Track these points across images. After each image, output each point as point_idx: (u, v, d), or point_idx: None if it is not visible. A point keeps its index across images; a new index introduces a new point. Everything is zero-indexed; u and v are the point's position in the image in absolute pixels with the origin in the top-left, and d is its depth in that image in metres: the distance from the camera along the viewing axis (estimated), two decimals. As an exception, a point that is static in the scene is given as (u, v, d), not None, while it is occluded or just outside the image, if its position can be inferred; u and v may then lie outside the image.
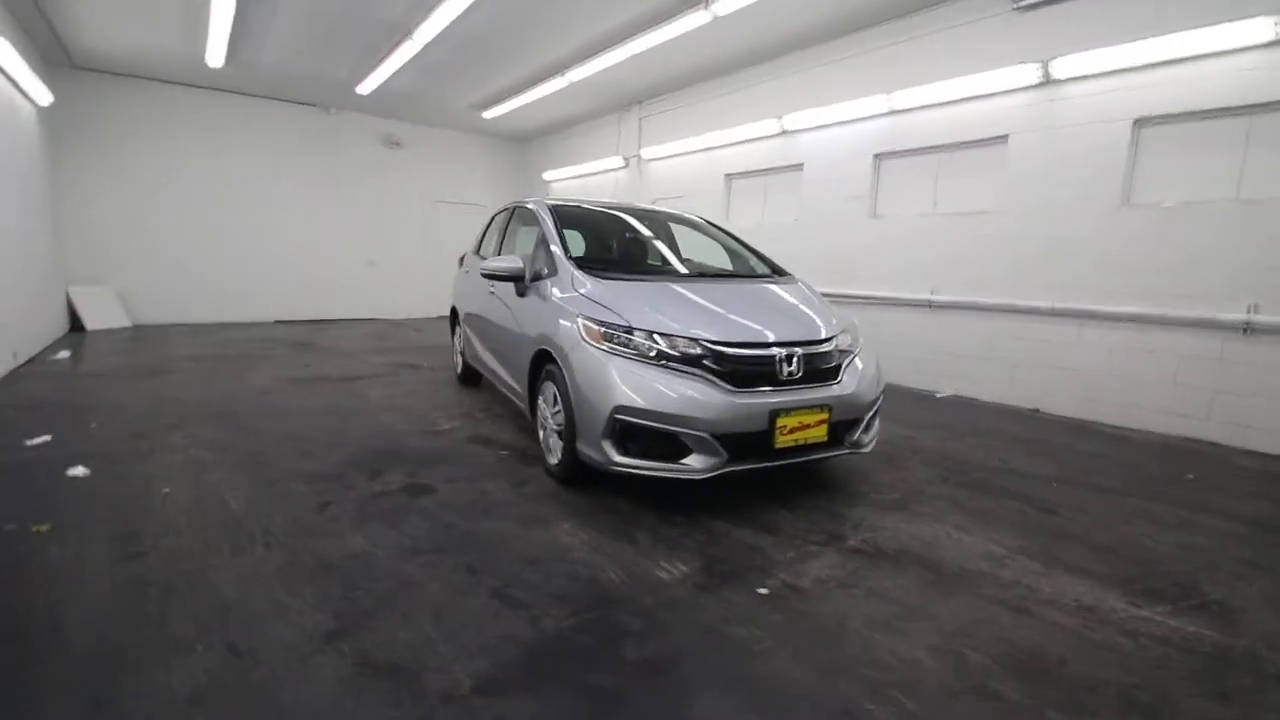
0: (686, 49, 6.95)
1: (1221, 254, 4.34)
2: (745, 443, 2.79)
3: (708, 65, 7.62)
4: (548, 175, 11.73)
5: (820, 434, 2.93)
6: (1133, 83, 4.66)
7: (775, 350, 2.90)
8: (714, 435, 2.72)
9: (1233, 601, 2.32)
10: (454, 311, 5.81)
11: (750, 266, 4.03)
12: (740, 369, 2.82)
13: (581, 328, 2.99)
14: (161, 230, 9.27)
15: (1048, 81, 5.08)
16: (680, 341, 2.83)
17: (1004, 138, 5.44)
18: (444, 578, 2.31)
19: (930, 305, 6.03)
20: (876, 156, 6.44)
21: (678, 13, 6.00)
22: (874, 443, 3.26)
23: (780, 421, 2.80)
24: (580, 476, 3.18)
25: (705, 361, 2.81)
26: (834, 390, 3.00)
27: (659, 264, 3.89)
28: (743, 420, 2.75)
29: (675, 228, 4.53)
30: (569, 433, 3.05)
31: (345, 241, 10.84)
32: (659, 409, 2.72)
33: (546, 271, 3.64)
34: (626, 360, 2.83)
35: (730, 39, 6.70)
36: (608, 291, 3.18)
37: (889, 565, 2.53)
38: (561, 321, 3.16)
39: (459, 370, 5.72)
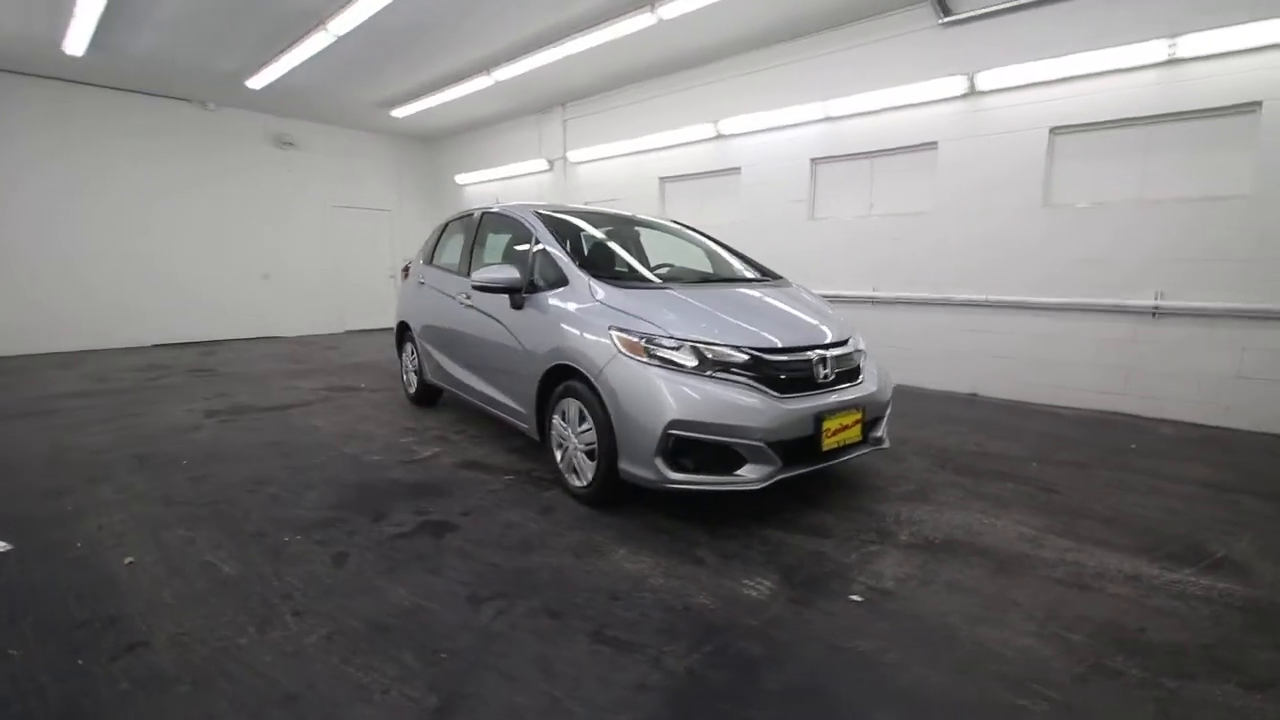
0: (621, 51, 6.87)
1: (1130, 248, 4.94)
2: (794, 448, 2.77)
3: (640, 68, 7.58)
4: (461, 179, 11.18)
5: (856, 434, 2.98)
6: (1048, 95, 5.19)
7: (811, 354, 2.91)
8: (768, 444, 2.68)
9: (1236, 557, 2.62)
10: (403, 326, 5.35)
11: (741, 270, 4.03)
12: (783, 375, 2.80)
13: (617, 341, 2.83)
14: (7, 246, 7.79)
15: (973, 93, 5.54)
16: (724, 350, 2.76)
17: (934, 144, 5.87)
18: (526, 625, 2.08)
19: (873, 302, 6.38)
20: (814, 161, 6.71)
21: (621, 14, 5.91)
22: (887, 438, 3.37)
23: (826, 424, 2.81)
24: (613, 498, 3.01)
25: (750, 370, 2.75)
26: (862, 390, 3.06)
27: (662, 271, 3.78)
28: (793, 426, 2.73)
29: (653, 233, 4.44)
30: (606, 452, 2.88)
31: (233, 253, 9.67)
32: (714, 420, 2.63)
33: (545, 282, 3.43)
34: (672, 373, 2.71)
35: (667, 42, 6.70)
36: (631, 301, 3.03)
37: (949, 557, 2.61)
38: (585, 335, 2.98)
39: (412, 390, 5.27)
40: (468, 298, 4.12)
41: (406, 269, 5.54)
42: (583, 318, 3.06)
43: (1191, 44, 4.47)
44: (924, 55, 5.76)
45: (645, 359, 2.75)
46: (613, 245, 3.89)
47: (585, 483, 3.07)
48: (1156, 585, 2.39)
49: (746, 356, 2.76)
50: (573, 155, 9.08)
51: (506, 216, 4.14)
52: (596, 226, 4.05)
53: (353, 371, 6.99)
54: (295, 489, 3.32)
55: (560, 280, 3.34)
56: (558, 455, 3.27)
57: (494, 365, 3.82)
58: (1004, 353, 5.61)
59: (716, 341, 2.77)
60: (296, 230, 10.32)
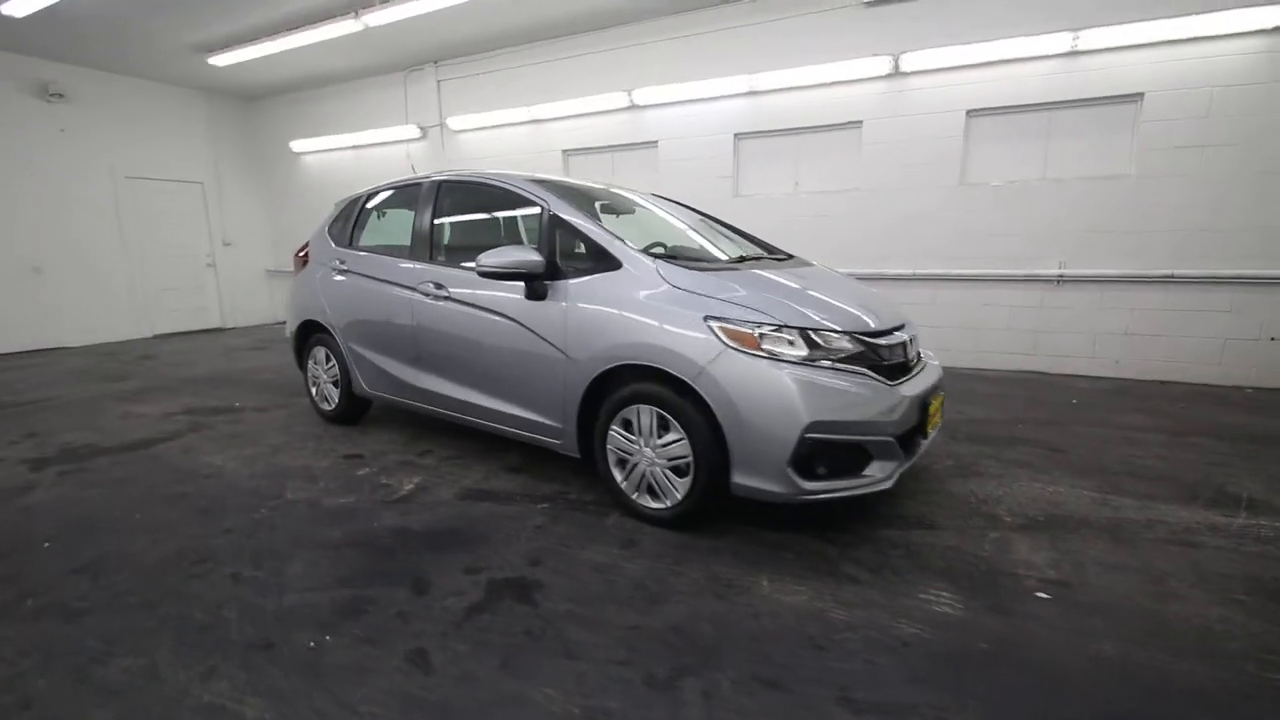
0: (516, 3, 6.11)
1: (1037, 222, 5.49)
2: (905, 438, 2.56)
3: (541, 25, 6.84)
4: (300, 146, 9.40)
5: (940, 416, 2.86)
6: (966, 79, 5.54)
7: (901, 335, 2.71)
8: (894, 436, 2.44)
9: (1257, 496, 2.94)
10: (309, 328, 4.25)
11: (756, 249, 3.71)
12: (889, 361, 2.57)
13: (720, 333, 2.38)
14: None
15: (896, 74, 5.75)
16: (835, 336, 2.44)
17: (859, 123, 6.03)
18: (755, 707, 1.61)
19: (804, 278, 6.47)
20: (737, 136, 6.58)
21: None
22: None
23: (930, 409, 2.64)
24: (700, 518, 2.58)
25: (862, 357, 2.47)
26: (936, 369, 2.94)
27: (698, 248, 3.27)
28: (910, 414, 2.51)
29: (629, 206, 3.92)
30: (708, 467, 2.42)
31: (-22, 238, 7.16)
32: (852, 418, 2.32)
33: (575, 266, 2.84)
34: (796, 367, 2.33)
35: (580, -1, 6.09)
36: (709, 283, 2.57)
37: (1065, 533, 2.58)
38: (669, 328, 2.47)
39: (331, 406, 4.22)
40: (439, 288, 3.31)
41: (303, 254, 4.40)
42: (658, 307, 2.54)
43: (1091, 38, 5.01)
44: (849, 34, 5.85)
45: (760, 353, 2.34)
46: (632, 223, 3.35)
47: (670, 503, 2.58)
48: (1234, 533, 2.57)
49: (855, 344, 2.47)
50: (454, 122, 8.01)
51: (487, 186, 3.38)
52: (604, 200, 3.47)
53: (206, 387, 5.50)
54: (261, 562, 2.40)
55: (604, 263, 2.76)
56: (618, 475, 2.73)
57: (495, 371, 3.11)
58: (931, 322, 5.99)
59: (830, 327, 2.45)
60: (77, 208, 7.92)
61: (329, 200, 9.59)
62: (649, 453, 2.59)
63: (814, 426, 2.26)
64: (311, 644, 1.89)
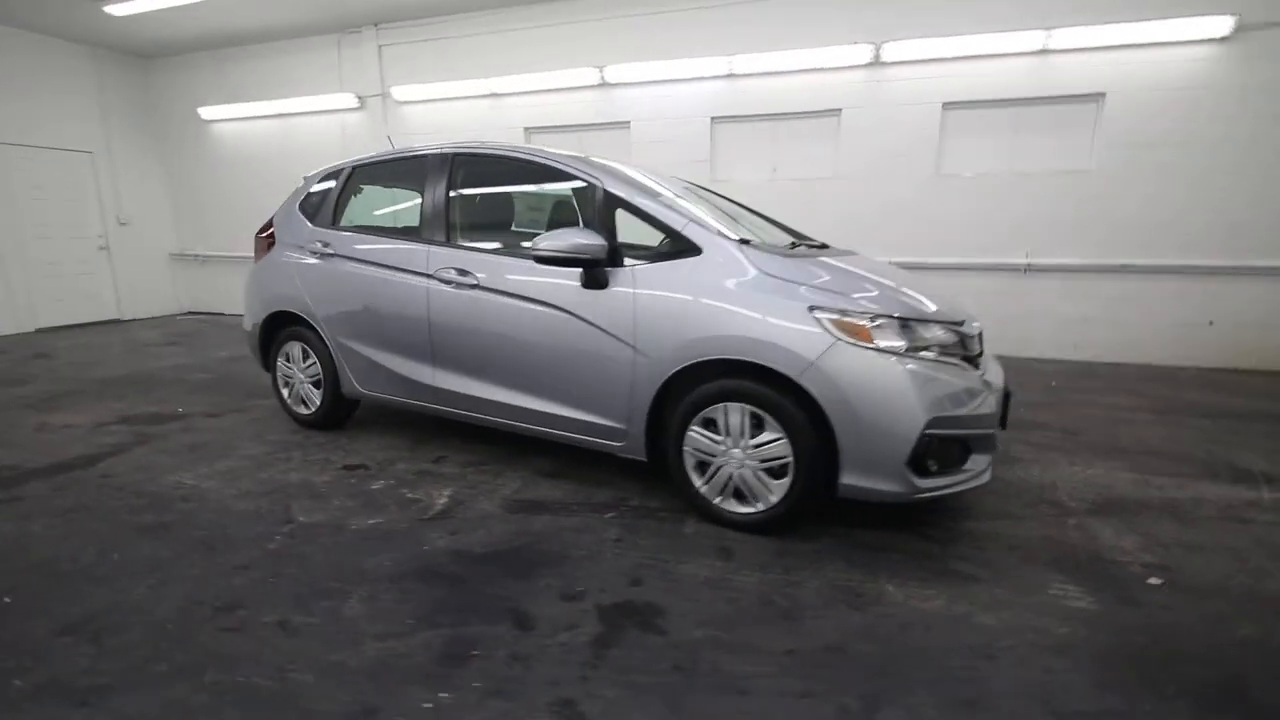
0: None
1: (1006, 213, 5.74)
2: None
3: (503, -8, 6.36)
4: (210, 113, 8.31)
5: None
6: (943, 72, 5.67)
7: (978, 326, 2.67)
8: (993, 428, 2.39)
9: (1267, 470, 3.16)
10: (279, 320, 3.70)
11: (793, 238, 3.57)
12: (973, 352, 2.51)
13: (829, 324, 2.21)
14: None
15: (876, 63, 5.79)
16: (938, 329, 2.35)
17: (838, 110, 6.04)
18: (968, 734, 1.49)
19: (782, 265, 6.45)
20: (714, 120, 6.43)
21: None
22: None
23: (1009, 400, 2.63)
24: (792, 521, 2.42)
25: (956, 347, 2.40)
26: (993, 360, 2.94)
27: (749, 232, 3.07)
28: (999, 405, 2.48)
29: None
30: (809, 467, 2.27)
31: None
32: (962, 412, 2.24)
33: (637, 253, 2.59)
34: (909, 360, 2.22)
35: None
36: (799, 270, 2.41)
37: (1133, 517, 2.64)
38: (771, 320, 2.28)
39: (311, 409, 3.70)
40: (462, 275, 2.94)
41: (267, 236, 3.82)
42: (753, 296, 2.34)
43: (1061, 37, 5.24)
44: (830, 20, 5.82)
45: (873, 346, 2.20)
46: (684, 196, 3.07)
47: (763, 507, 2.41)
48: (1269, 506, 2.75)
49: (952, 333, 2.40)
50: (399, 92, 7.33)
51: (517, 160, 3.03)
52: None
53: (131, 390, 4.72)
54: (308, 604, 2.00)
55: (679, 247, 2.53)
56: (696, 479, 2.52)
57: (540, 369, 2.80)
58: (905, 309, 6.15)
59: (933, 317, 2.35)
60: (-76, 176, 6.57)
61: (247, 175, 8.59)
62: (738, 454, 2.40)
63: (934, 423, 2.16)
64: (428, 704, 1.57)
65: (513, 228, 3.46)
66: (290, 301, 3.60)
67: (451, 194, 3.15)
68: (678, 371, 2.45)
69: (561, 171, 2.88)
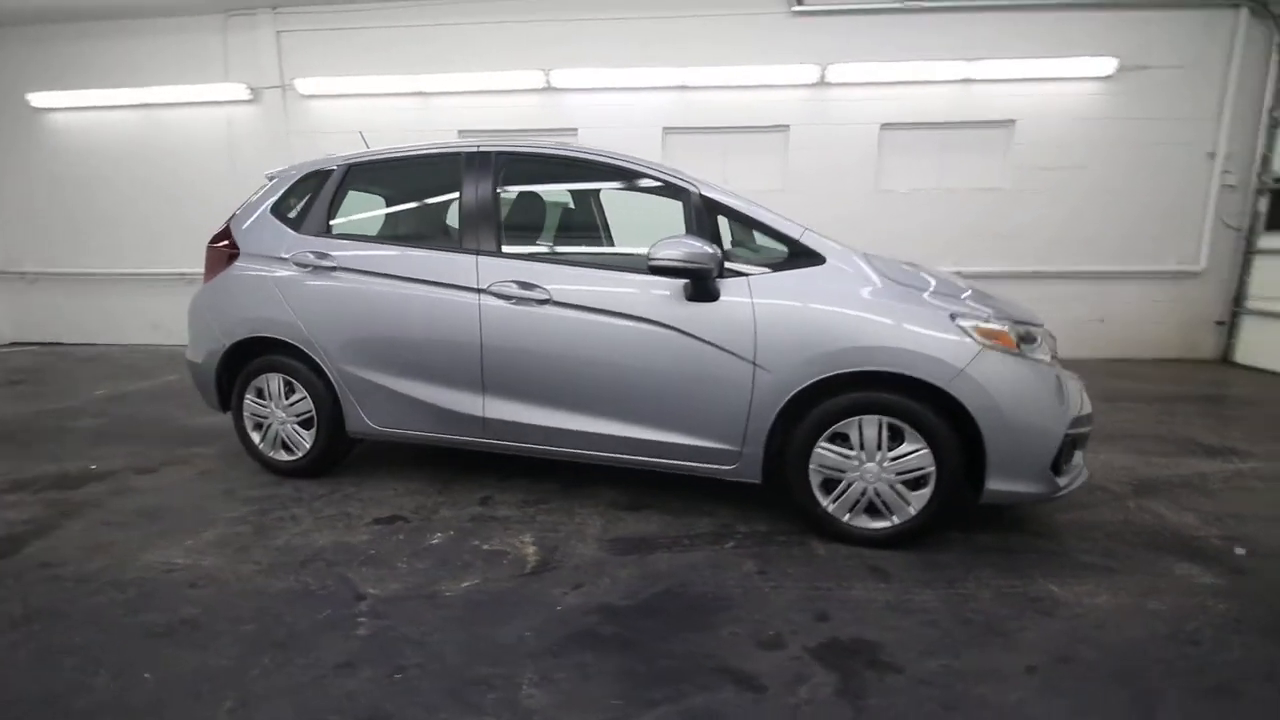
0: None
1: (938, 227, 6.28)
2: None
3: (438, -17, 5.85)
4: (42, 100, 6.78)
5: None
6: (881, 95, 6.09)
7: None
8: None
9: (1227, 445, 3.68)
10: (239, 350, 3.05)
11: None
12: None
13: (975, 331, 2.21)
14: None
15: (822, 83, 6.10)
16: (1043, 333, 2.45)
17: (786, 127, 6.27)
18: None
19: (737, 275, 6.54)
20: (666, 130, 6.39)
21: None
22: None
23: (1074, 397, 2.81)
24: (926, 533, 2.39)
25: (1054, 349, 2.53)
26: None
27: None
28: (1082, 404, 2.65)
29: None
30: (951, 475, 2.25)
31: None
32: (1084, 412, 2.36)
33: (743, 262, 2.45)
34: (1042, 364, 2.29)
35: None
36: (914, 278, 2.44)
37: (1165, 492, 2.94)
38: (915, 329, 2.23)
39: (298, 454, 3.06)
40: (526, 288, 2.59)
41: (226, 245, 3.14)
42: (892, 306, 2.28)
43: (980, 69, 5.86)
44: (777, 40, 6.04)
45: (1016, 352, 2.24)
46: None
47: (899, 520, 2.34)
48: (1255, 475, 3.20)
49: (1049, 337, 2.52)
50: (304, 85, 6.46)
51: (583, 162, 2.76)
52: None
53: (13, 446, 3.64)
54: (471, 699, 1.60)
55: (797, 256, 2.42)
56: (823, 499, 2.40)
57: (635, 390, 2.53)
58: (852, 315, 6.50)
59: (1039, 322, 2.45)
60: None
61: (95, 176, 7.07)
62: (873, 468, 2.33)
63: (1073, 423, 2.25)
64: (730, 806, 1.30)
65: (583, 236, 3.15)
66: (270, 325, 2.97)
67: (502, 198, 2.78)
68: (810, 385, 2.33)
69: (642, 174, 2.66)
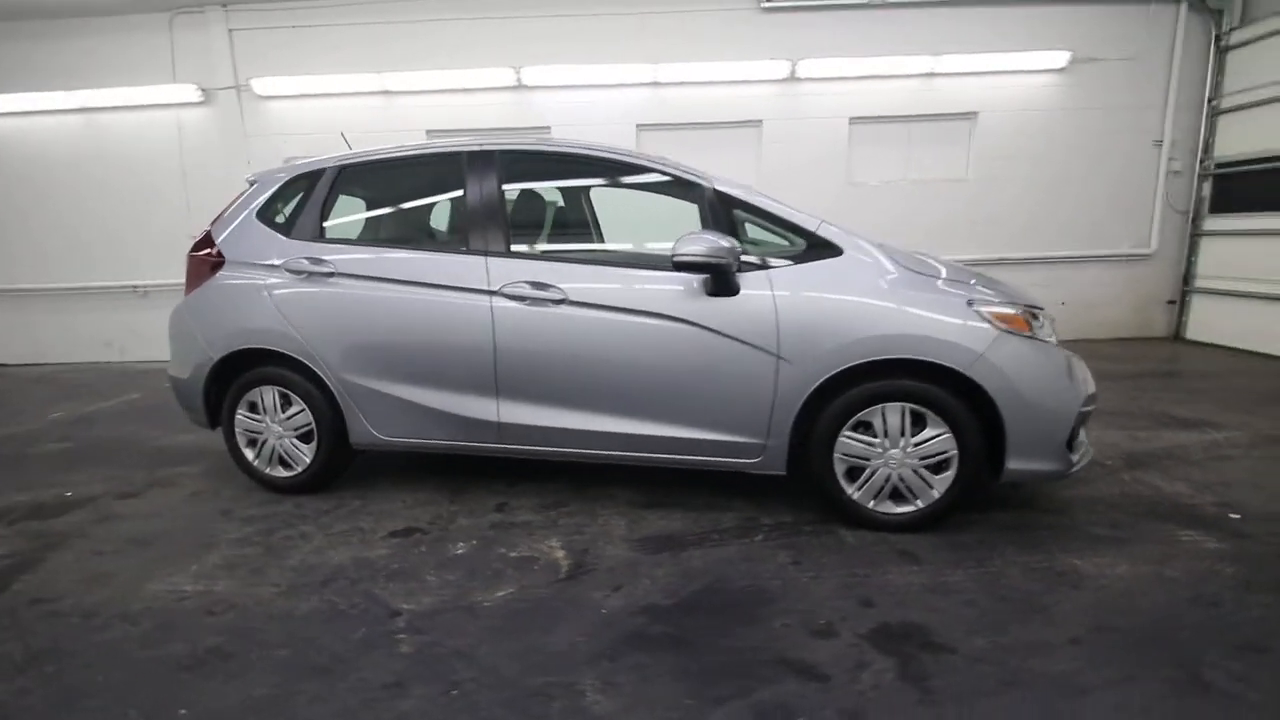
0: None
1: (908, 218, 6.44)
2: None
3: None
4: (-34, 101, 6.29)
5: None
6: (849, 89, 6.20)
7: (1038, 312, 2.95)
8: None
9: (1198, 417, 3.88)
10: (225, 368, 2.91)
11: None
12: (1053, 336, 2.78)
13: (992, 316, 2.28)
14: None
15: (792, 78, 6.17)
16: (1042, 315, 2.54)
17: (759, 122, 6.33)
18: (1286, 680, 1.61)
19: (715, 271, 6.58)
20: (639, 127, 6.36)
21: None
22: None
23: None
24: (947, 516, 2.46)
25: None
26: None
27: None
28: (1081, 383, 2.76)
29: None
30: (973, 458, 2.31)
31: None
32: (1091, 390, 2.45)
33: (753, 259, 2.47)
34: (1053, 346, 2.38)
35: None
36: (925, 265, 2.51)
37: (1154, 464, 3.10)
38: (937, 316, 2.28)
39: (297, 469, 2.93)
40: (540, 288, 2.54)
41: (208, 251, 2.98)
42: (912, 295, 2.33)
43: (944, 63, 6.04)
44: (748, 36, 6.09)
45: (1029, 334, 2.31)
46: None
47: (923, 504, 2.40)
48: (1228, 444, 3.39)
49: (1048, 319, 2.61)
50: (261, 85, 6.18)
51: (584, 158, 2.75)
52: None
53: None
54: (536, 711, 1.57)
55: (815, 249, 2.45)
56: (848, 486, 2.44)
57: (656, 388, 2.51)
58: (829, 306, 6.62)
59: (1041, 306, 2.54)
60: None
61: (23, 185, 6.59)
62: (897, 454, 2.37)
63: (1085, 401, 2.34)
64: (823, 796, 1.31)
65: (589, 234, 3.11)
66: (264, 336, 2.83)
67: (507, 197, 2.71)
68: (840, 372, 2.35)
69: (650, 170, 2.65)
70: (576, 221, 3.30)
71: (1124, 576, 2.12)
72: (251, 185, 3.07)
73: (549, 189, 3.10)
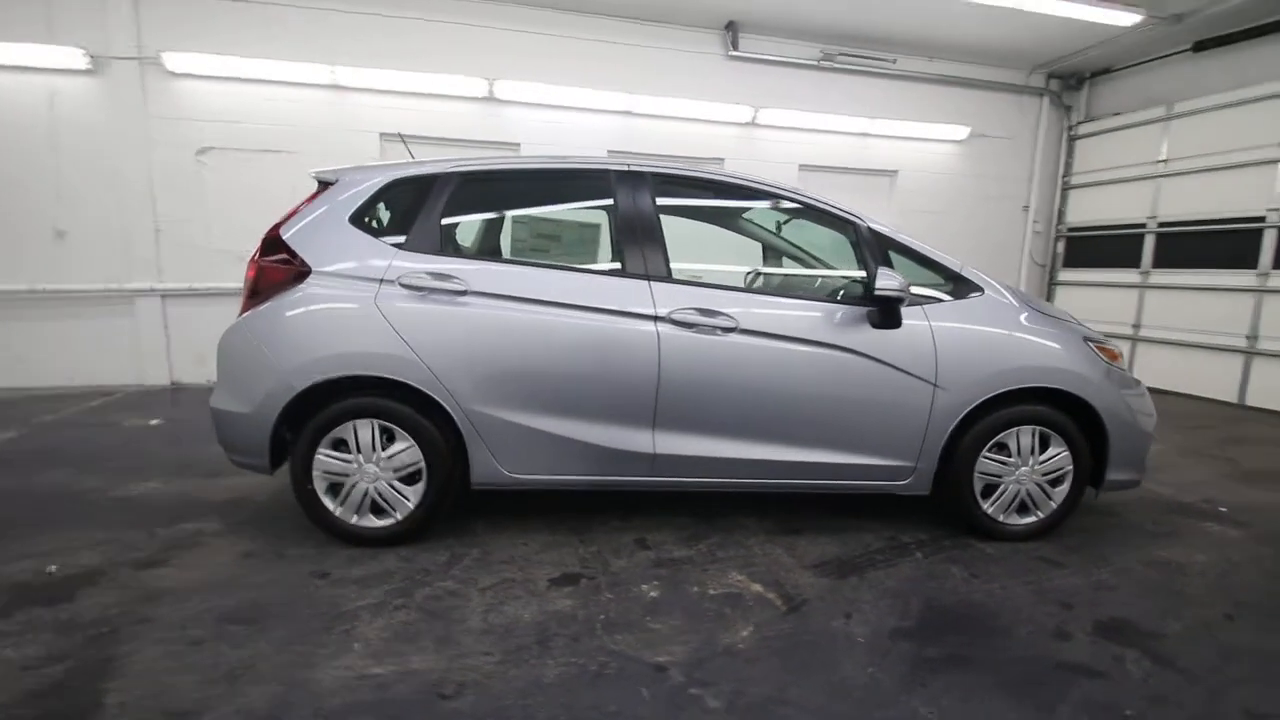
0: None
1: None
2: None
3: (374, -31, 5.17)
4: None
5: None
6: (800, 139, 6.81)
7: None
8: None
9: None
10: (320, 393, 2.45)
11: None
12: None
13: (1099, 350, 2.70)
14: None
15: (754, 123, 6.63)
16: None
17: (721, 160, 6.68)
18: (1384, 631, 2.12)
19: (678, 298, 6.74)
20: (610, 153, 6.37)
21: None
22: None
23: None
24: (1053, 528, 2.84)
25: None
26: None
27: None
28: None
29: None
30: (1083, 473, 2.70)
31: None
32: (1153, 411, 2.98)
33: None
34: (1130, 374, 2.86)
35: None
36: (1041, 304, 2.92)
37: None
38: (1068, 349, 2.65)
39: (397, 517, 2.52)
40: (708, 315, 2.51)
41: (282, 257, 2.50)
42: (1047, 330, 2.69)
43: (878, 126, 6.89)
44: (715, 79, 6.44)
45: (1120, 365, 2.77)
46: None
47: (1044, 515, 2.74)
48: (1193, 449, 4.27)
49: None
50: (174, 61, 5.20)
51: (734, 186, 2.92)
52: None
53: None
54: None
55: (959, 286, 2.72)
56: (985, 503, 2.70)
57: (822, 415, 2.59)
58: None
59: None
60: None
61: None
62: (1025, 471, 2.69)
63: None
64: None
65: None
66: (377, 362, 2.42)
67: (663, 221, 2.64)
68: (988, 399, 2.61)
69: (805, 204, 2.78)
70: (729, 249, 3.29)
71: (1209, 563, 2.61)
72: (328, 184, 2.63)
73: (697, 214, 3.06)
